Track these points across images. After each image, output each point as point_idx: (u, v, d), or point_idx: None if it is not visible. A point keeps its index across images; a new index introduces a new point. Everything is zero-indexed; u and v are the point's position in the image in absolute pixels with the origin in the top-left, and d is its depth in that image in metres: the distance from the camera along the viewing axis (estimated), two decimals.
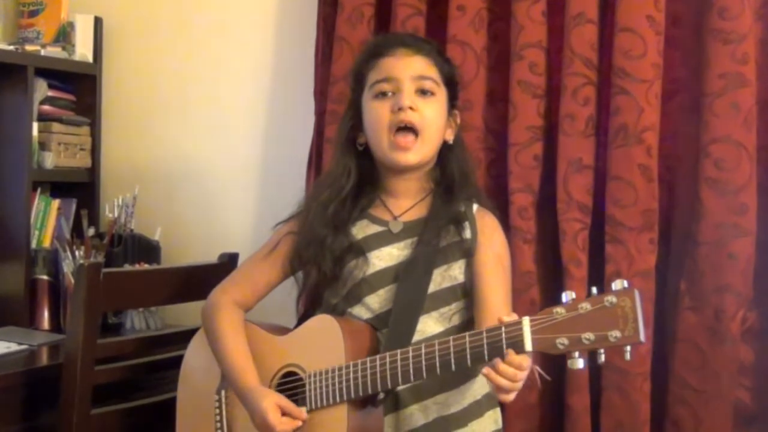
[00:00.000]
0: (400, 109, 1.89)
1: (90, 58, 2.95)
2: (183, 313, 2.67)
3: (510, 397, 1.65)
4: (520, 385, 1.63)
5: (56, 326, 2.69)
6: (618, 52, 2.14)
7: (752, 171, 2.10)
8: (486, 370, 1.62)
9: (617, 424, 2.16)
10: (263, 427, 1.83)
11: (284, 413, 1.82)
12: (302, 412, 1.83)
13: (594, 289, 1.55)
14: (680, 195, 2.20)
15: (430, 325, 1.89)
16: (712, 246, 2.11)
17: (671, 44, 2.19)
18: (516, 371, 1.59)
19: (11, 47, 2.78)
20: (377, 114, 1.93)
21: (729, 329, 2.09)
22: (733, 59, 2.08)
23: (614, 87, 2.16)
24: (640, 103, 2.13)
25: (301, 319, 2.04)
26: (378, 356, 1.75)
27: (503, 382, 1.60)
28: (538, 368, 1.71)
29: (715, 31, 2.09)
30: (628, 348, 1.51)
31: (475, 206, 1.98)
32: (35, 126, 2.76)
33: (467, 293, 1.92)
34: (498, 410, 1.99)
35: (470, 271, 1.92)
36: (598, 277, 2.19)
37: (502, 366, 1.59)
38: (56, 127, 2.83)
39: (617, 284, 1.51)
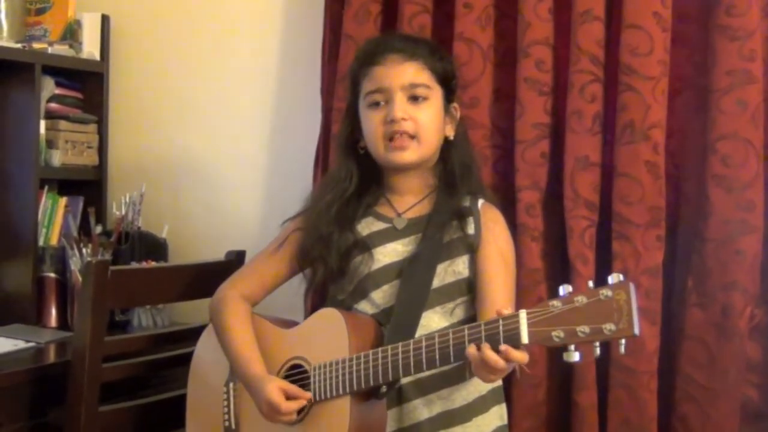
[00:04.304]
0: (393, 121, 1.91)
1: (97, 56, 2.96)
2: (190, 311, 2.67)
3: (488, 378, 1.67)
4: (499, 375, 1.65)
5: (63, 324, 2.70)
6: (625, 49, 2.14)
7: (759, 168, 2.09)
8: (469, 350, 1.62)
9: (624, 421, 2.15)
10: (270, 412, 1.84)
11: (288, 397, 1.83)
12: (306, 393, 1.84)
13: (591, 283, 1.56)
14: (687, 192, 2.20)
15: (434, 320, 1.90)
16: (719, 243, 2.10)
17: (678, 41, 2.18)
18: (500, 363, 1.59)
19: (18, 45, 2.78)
20: (371, 124, 1.95)
21: (736, 326, 2.09)
22: (740, 56, 2.07)
23: (621, 84, 2.15)
24: (646, 100, 2.12)
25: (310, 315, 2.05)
26: (380, 348, 1.76)
27: (478, 361, 1.62)
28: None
29: (722, 27, 2.08)
30: (623, 341, 1.52)
31: (480, 201, 2.00)
32: (42, 124, 2.77)
33: (472, 288, 1.93)
34: (503, 406, 2.00)
35: (474, 266, 1.93)
36: (605, 274, 2.16)
37: (488, 351, 1.60)
38: (63, 125, 2.83)
39: (613, 278, 1.53)
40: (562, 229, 2.23)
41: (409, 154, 1.93)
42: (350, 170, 2.01)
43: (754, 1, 2.07)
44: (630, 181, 2.15)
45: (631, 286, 1.51)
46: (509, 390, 2.12)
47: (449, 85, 2.01)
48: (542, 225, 2.27)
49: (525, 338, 1.57)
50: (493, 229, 1.96)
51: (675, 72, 2.18)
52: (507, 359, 1.59)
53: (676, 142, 2.21)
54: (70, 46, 2.90)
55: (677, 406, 2.16)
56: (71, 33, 2.93)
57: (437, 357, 1.69)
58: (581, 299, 1.53)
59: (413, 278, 1.89)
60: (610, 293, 1.51)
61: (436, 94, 1.96)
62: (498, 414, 1.97)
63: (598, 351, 1.55)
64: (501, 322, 1.60)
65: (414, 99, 1.93)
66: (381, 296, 1.93)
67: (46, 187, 2.79)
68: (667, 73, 2.14)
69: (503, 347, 1.58)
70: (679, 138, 2.22)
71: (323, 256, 1.96)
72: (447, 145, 2.01)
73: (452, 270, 1.92)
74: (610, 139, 2.21)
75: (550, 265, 2.27)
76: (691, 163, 2.19)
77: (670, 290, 2.19)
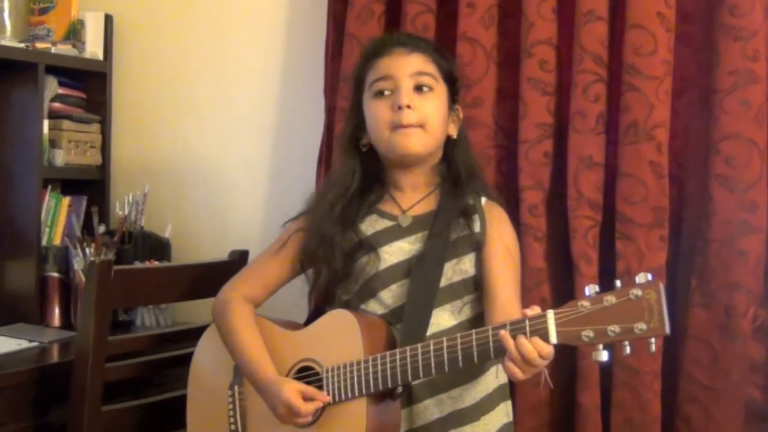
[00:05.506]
0: (399, 108, 1.90)
1: (100, 56, 2.96)
2: (193, 311, 2.67)
3: (519, 373, 1.61)
4: (532, 369, 1.61)
5: (67, 323, 2.70)
6: (628, 49, 2.14)
7: (763, 168, 2.09)
8: (504, 333, 1.61)
9: (627, 421, 2.15)
10: (288, 414, 1.83)
11: (306, 398, 1.82)
12: (324, 394, 1.83)
13: (618, 283, 1.56)
14: (690, 192, 2.20)
15: (444, 318, 1.90)
16: (722, 243, 2.10)
17: (681, 41, 2.18)
18: (534, 353, 1.58)
19: (22, 45, 2.78)
20: (377, 113, 1.94)
21: (740, 326, 2.09)
22: (744, 56, 2.07)
23: (624, 84, 2.15)
24: (650, 100, 2.12)
25: (312, 315, 2.04)
26: (398, 350, 1.76)
27: (515, 353, 1.59)
28: (546, 372, 1.72)
29: (725, 27, 2.08)
30: (653, 340, 1.53)
31: (483, 199, 2.00)
32: (46, 123, 2.77)
33: (478, 286, 1.92)
34: (509, 403, 2.00)
35: (480, 263, 1.92)
36: (608, 274, 2.18)
37: (523, 339, 1.59)
38: (66, 124, 2.84)
39: (641, 277, 1.53)
40: (565, 229, 2.23)
41: (414, 141, 1.91)
42: (353, 168, 2.00)
43: (758, 1, 2.07)
44: (633, 181, 2.15)
45: (661, 286, 1.51)
46: (512, 390, 2.12)
47: (453, 84, 2.01)
48: (545, 225, 2.27)
49: (554, 338, 1.57)
50: (498, 227, 1.96)
51: (678, 72, 2.17)
52: (540, 353, 1.58)
53: (680, 142, 2.21)
54: (74, 46, 2.90)
55: (680, 407, 2.15)
56: (74, 32, 2.93)
57: (460, 358, 1.68)
58: (610, 299, 1.54)
59: (422, 277, 1.89)
60: (640, 293, 1.52)
61: (441, 88, 1.96)
62: (504, 411, 1.98)
63: (628, 350, 1.56)
64: (528, 322, 1.60)
65: (419, 89, 1.93)
66: (390, 296, 1.92)
67: (49, 187, 2.79)
68: (670, 73, 2.14)
69: (534, 338, 1.58)
70: (683, 138, 2.21)
71: (327, 257, 1.95)
72: (450, 145, 2.00)
73: (459, 268, 1.92)
74: (613, 139, 2.21)
75: (553, 265, 2.27)
76: (695, 163, 2.19)
77: (673, 290, 2.18)
